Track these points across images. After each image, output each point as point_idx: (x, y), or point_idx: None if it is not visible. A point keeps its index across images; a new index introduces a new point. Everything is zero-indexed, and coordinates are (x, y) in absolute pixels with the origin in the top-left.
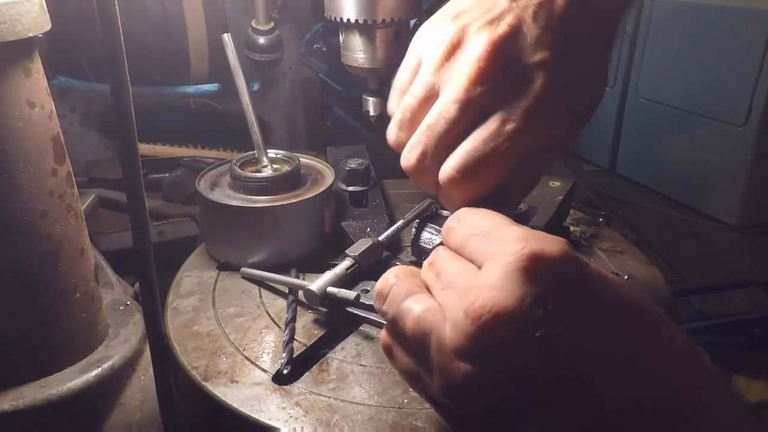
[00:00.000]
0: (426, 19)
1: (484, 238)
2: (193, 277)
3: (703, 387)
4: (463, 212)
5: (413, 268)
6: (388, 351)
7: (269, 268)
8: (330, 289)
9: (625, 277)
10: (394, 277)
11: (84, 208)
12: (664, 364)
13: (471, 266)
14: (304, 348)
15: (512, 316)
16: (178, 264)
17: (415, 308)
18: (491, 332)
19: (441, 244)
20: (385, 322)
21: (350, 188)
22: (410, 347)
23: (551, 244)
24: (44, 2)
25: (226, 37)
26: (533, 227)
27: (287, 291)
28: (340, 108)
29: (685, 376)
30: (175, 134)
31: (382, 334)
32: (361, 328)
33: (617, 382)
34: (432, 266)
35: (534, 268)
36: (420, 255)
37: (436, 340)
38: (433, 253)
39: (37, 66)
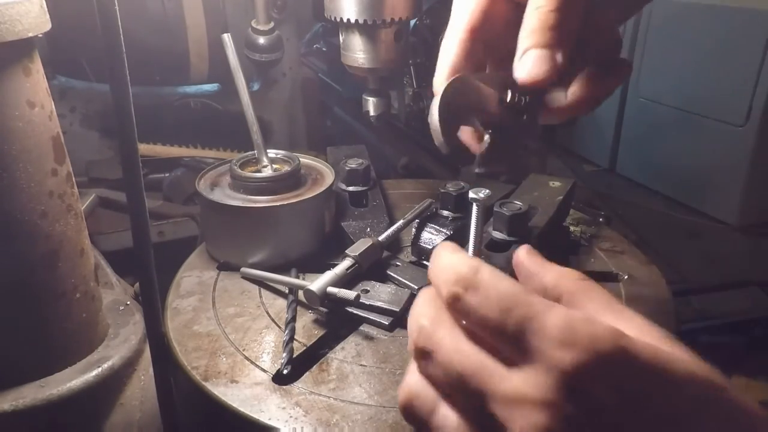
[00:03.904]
0: (426, 19)
1: (521, 327)
2: (193, 277)
3: None
4: (478, 278)
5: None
6: None
7: (269, 268)
8: (330, 289)
9: (625, 277)
10: (415, 385)
11: (84, 208)
12: None
13: (493, 361)
14: (304, 348)
15: None
16: (178, 264)
17: (448, 427)
18: None
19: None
20: (386, 323)
21: (350, 188)
22: None
23: (605, 344)
24: (44, 2)
25: (226, 37)
26: (533, 227)
27: (287, 291)
28: (340, 108)
29: None
30: (175, 134)
31: None
32: (361, 328)
33: None
34: (435, 358)
35: (590, 384)
36: (420, 255)
37: None
38: (421, 330)
39: (37, 66)
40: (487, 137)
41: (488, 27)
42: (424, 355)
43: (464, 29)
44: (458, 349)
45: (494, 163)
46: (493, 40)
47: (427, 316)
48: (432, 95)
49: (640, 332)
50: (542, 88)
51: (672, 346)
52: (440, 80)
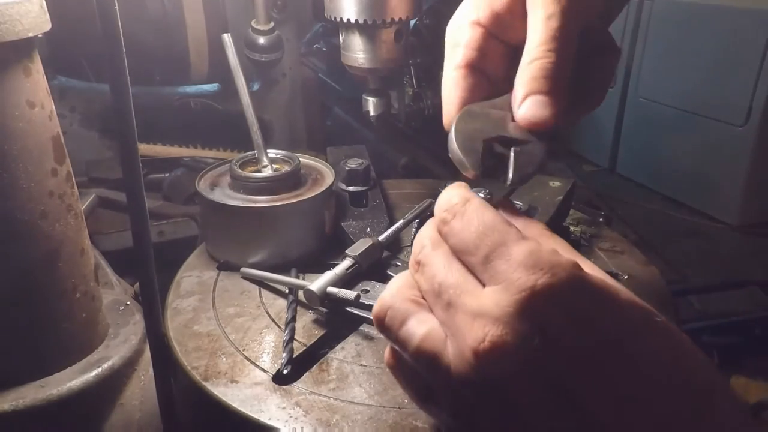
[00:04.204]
0: (426, 19)
1: (492, 251)
2: (193, 277)
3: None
4: (465, 208)
5: (408, 281)
6: (393, 371)
7: (269, 268)
8: (330, 289)
9: (625, 277)
10: (390, 298)
11: (84, 208)
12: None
13: (472, 280)
14: (304, 348)
15: (518, 357)
16: (178, 264)
17: (416, 335)
18: (496, 369)
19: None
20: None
21: (350, 188)
22: (414, 371)
23: (562, 271)
24: (44, 2)
25: (226, 37)
26: None
27: (287, 291)
28: (340, 108)
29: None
30: (175, 134)
31: (387, 355)
32: (361, 328)
33: (629, 419)
34: (425, 270)
35: (544, 305)
36: None
37: (440, 365)
38: (422, 248)
39: (37, 66)
40: (512, 153)
41: (484, 63)
42: (418, 266)
43: (461, 65)
44: (446, 266)
45: (526, 174)
46: (492, 74)
47: (429, 238)
48: (430, 95)
49: (592, 270)
50: (546, 130)
51: (617, 284)
52: (448, 116)
